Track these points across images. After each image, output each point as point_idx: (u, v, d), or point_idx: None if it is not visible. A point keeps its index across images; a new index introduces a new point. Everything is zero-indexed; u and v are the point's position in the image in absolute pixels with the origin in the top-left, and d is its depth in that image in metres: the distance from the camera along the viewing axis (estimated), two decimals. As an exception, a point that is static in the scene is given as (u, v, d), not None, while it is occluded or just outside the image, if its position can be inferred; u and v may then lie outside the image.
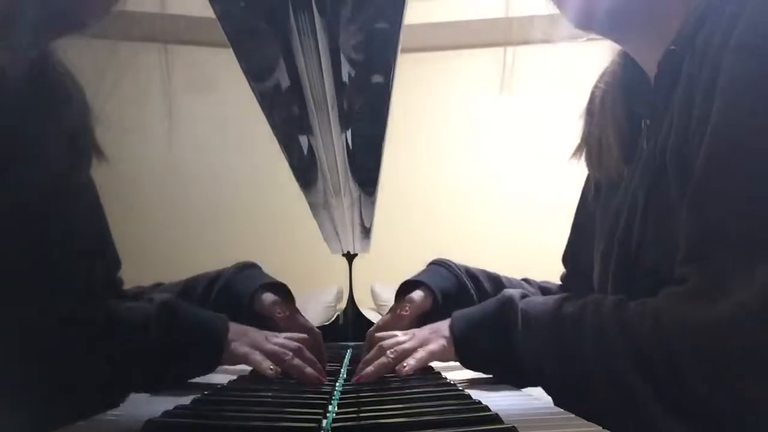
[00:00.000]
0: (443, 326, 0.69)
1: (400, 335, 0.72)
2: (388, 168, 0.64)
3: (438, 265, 0.91)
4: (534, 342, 0.60)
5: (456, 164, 4.10)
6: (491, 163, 4.09)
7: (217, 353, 0.64)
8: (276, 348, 0.66)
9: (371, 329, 0.87)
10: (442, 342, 0.67)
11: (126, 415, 0.50)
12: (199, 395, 0.57)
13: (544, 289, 0.92)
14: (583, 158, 0.76)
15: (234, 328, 0.67)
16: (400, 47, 0.39)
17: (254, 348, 0.66)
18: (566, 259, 0.88)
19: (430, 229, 4.01)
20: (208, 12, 0.35)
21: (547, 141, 3.98)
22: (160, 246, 3.84)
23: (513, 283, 0.92)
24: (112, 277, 0.74)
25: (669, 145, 0.54)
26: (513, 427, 0.40)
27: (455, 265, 0.91)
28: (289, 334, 0.73)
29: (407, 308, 0.83)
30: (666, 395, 0.47)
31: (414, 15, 3.65)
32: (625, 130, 0.66)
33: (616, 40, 0.67)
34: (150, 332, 0.60)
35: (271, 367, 0.64)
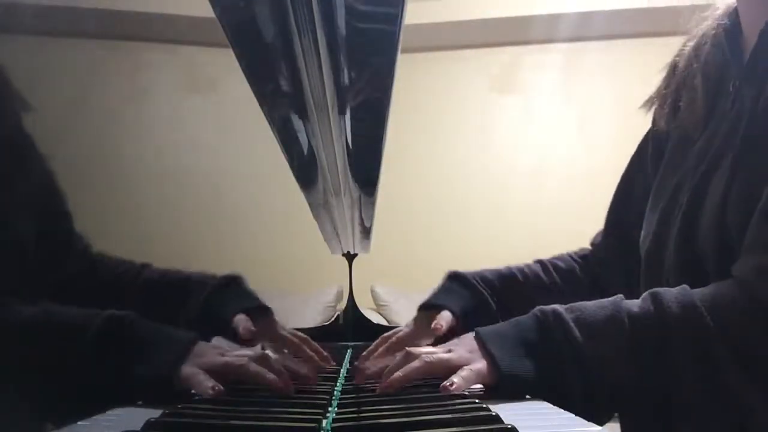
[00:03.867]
0: (474, 345, 0.58)
1: (435, 348, 0.62)
2: (389, 168, 0.64)
3: (453, 280, 0.87)
4: (600, 354, 0.51)
5: (456, 164, 4.10)
6: (491, 162, 4.09)
7: (163, 377, 0.56)
8: (229, 358, 0.60)
9: (387, 333, 0.83)
10: (484, 364, 0.56)
11: (126, 415, 0.50)
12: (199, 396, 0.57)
13: (557, 267, 0.86)
14: (651, 112, 0.72)
15: (198, 348, 0.60)
16: (400, 47, 0.38)
17: (203, 366, 0.57)
18: (609, 220, 0.82)
19: (430, 229, 4.00)
20: (208, 12, 0.35)
21: (547, 141, 3.98)
22: (161, 246, 3.84)
23: (527, 274, 0.86)
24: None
25: (761, 112, 0.51)
26: (513, 427, 0.40)
27: (470, 276, 0.86)
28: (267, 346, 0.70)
29: (442, 325, 0.77)
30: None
31: (414, 15, 3.65)
32: (713, 84, 0.63)
33: None
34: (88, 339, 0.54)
35: (214, 387, 0.55)
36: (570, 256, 0.88)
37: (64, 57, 3.56)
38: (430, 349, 0.61)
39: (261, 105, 0.47)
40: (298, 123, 0.51)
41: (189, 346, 0.59)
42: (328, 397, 0.56)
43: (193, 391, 0.57)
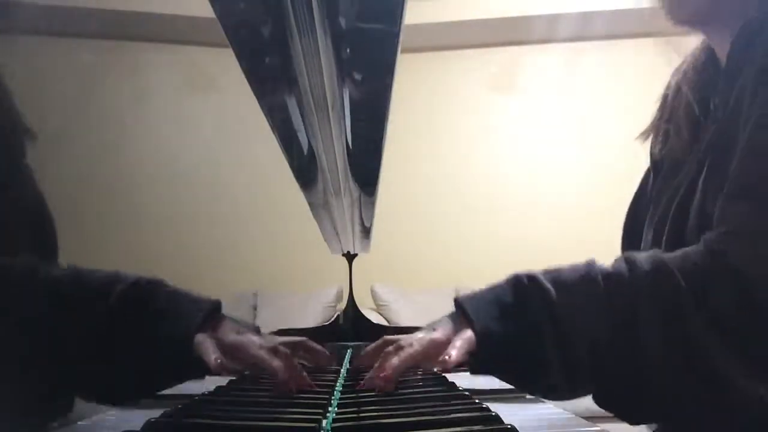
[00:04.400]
0: (456, 315, 0.58)
1: (420, 333, 0.60)
2: (389, 168, 0.64)
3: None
4: (574, 310, 0.51)
5: (456, 164, 4.10)
6: (491, 162, 4.09)
7: (180, 340, 0.55)
8: (241, 338, 0.58)
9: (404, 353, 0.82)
10: (469, 331, 0.55)
11: (126, 415, 0.50)
12: (199, 396, 0.57)
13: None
14: (648, 141, 0.78)
15: (217, 321, 0.59)
16: (400, 47, 0.38)
17: (215, 339, 0.57)
18: (624, 250, 0.84)
19: (430, 229, 4.01)
20: (208, 12, 0.35)
21: (547, 141, 3.98)
22: (160, 246, 3.84)
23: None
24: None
25: (730, 115, 0.56)
26: (512, 427, 0.40)
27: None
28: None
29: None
30: (744, 344, 0.47)
31: (414, 15, 3.65)
32: (695, 113, 0.68)
33: (704, 32, 0.69)
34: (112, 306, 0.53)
35: (217, 359, 0.54)
36: None
37: (64, 57, 3.56)
38: (417, 334, 0.60)
39: (261, 105, 0.47)
40: (298, 123, 0.51)
41: (208, 314, 0.58)
42: (328, 397, 0.56)
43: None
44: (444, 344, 0.55)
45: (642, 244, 0.71)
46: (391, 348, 0.59)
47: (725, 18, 0.64)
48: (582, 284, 0.53)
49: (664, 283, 0.50)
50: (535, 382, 0.52)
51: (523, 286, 0.54)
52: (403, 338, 0.61)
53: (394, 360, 0.56)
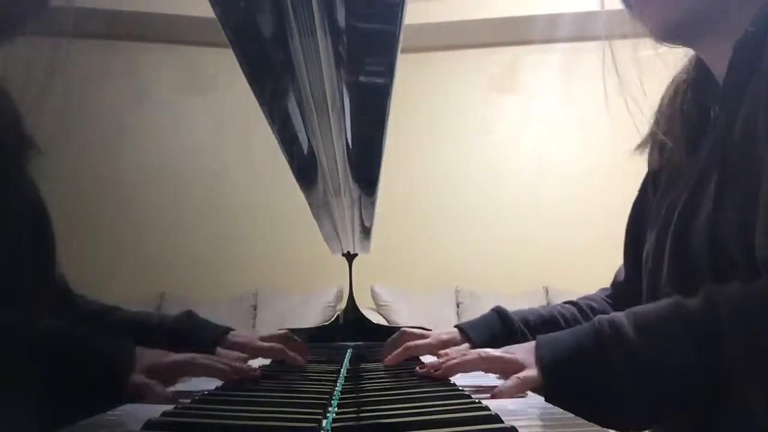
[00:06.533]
0: (531, 347, 0.60)
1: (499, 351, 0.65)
2: (388, 168, 0.64)
3: (496, 313, 0.89)
4: (658, 351, 0.51)
5: (456, 164, 4.10)
6: (491, 162, 4.09)
7: (114, 387, 0.55)
8: (176, 356, 0.62)
9: (410, 330, 0.90)
10: (535, 371, 0.57)
11: (126, 415, 0.50)
12: (199, 395, 0.57)
13: (593, 309, 0.90)
14: (645, 153, 0.78)
15: (140, 352, 0.60)
16: (400, 47, 0.38)
17: (152, 369, 0.58)
18: (626, 256, 0.85)
19: (430, 229, 4.01)
20: (208, 12, 0.35)
21: (547, 141, 3.98)
22: (160, 246, 3.84)
23: (567, 318, 0.89)
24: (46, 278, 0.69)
25: (746, 128, 0.55)
26: (513, 427, 0.40)
27: (512, 313, 0.88)
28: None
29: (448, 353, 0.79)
30: None
31: (414, 15, 3.65)
32: (692, 125, 0.69)
33: (692, 47, 0.70)
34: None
35: (167, 395, 0.56)
36: (601, 297, 0.91)
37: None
38: (489, 350, 0.65)
39: (261, 105, 0.47)
40: (298, 123, 0.51)
41: (131, 352, 0.59)
42: (328, 397, 0.56)
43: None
44: (505, 364, 0.61)
45: (645, 251, 0.71)
46: (460, 351, 0.67)
47: (710, 32, 0.64)
48: (662, 324, 0.53)
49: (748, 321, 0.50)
50: (605, 419, 0.52)
51: (603, 330, 0.54)
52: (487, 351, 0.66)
53: (455, 361, 0.64)
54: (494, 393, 0.58)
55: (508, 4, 3.85)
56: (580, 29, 3.31)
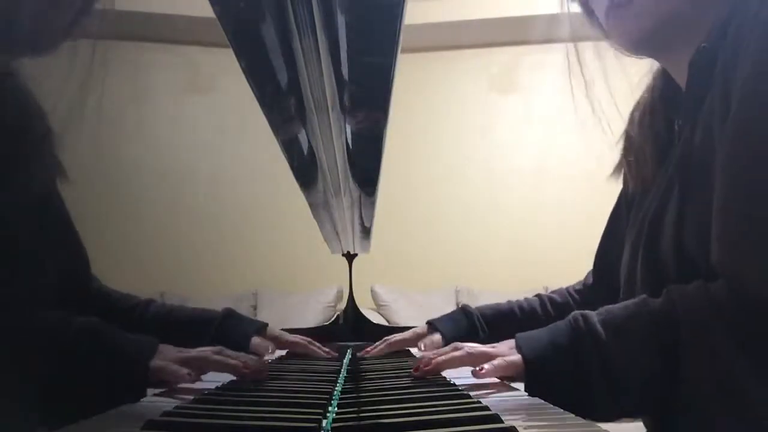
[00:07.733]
0: (513, 344, 0.64)
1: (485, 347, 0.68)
2: (389, 168, 0.64)
3: (461, 310, 1.00)
4: (623, 347, 0.55)
5: (456, 164, 4.10)
6: (491, 162, 4.09)
7: (141, 379, 0.61)
8: (192, 352, 0.68)
9: (391, 336, 1.00)
10: (519, 357, 0.61)
11: (126, 415, 0.50)
12: (198, 395, 0.57)
13: (553, 301, 0.97)
14: (621, 174, 0.83)
15: (162, 347, 0.66)
16: (400, 47, 0.38)
17: (171, 359, 0.65)
18: (596, 267, 0.93)
19: (430, 229, 4.01)
20: (208, 12, 0.35)
21: (547, 141, 3.98)
22: (160, 246, 3.84)
23: (524, 309, 0.97)
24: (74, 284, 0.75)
25: (703, 138, 0.57)
26: (512, 427, 0.40)
27: (473, 309, 0.99)
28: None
29: (423, 346, 0.95)
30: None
31: (414, 15, 3.65)
32: (661, 143, 0.71)
33: (656, 58, 0.72)
34: (68, 356, 0.58)
35: (189, 373, 0.63)
36: (568, 290, 0.97)
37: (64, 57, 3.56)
38: (475, 344, 0.68)
39: (261, 105, 0.47)
40: (298, 123, 0.51)
41: (154, 345, 0.65)
42: (328, 397, 0.56)
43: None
44: (491, 358, 0.63)
45: (622, 261, 0.73)
46: (447, 348, 0.69)
47: (674, 45, 0.66)
48: (632, 323, 0.56)
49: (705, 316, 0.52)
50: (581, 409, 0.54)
51: (578, 325, 0.58)
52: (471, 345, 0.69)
53: (442, 358, 0.66)
54: (479, 372, 0.61)
55: (508, 4, 3.85)
56: (580, 29, 3.31)
